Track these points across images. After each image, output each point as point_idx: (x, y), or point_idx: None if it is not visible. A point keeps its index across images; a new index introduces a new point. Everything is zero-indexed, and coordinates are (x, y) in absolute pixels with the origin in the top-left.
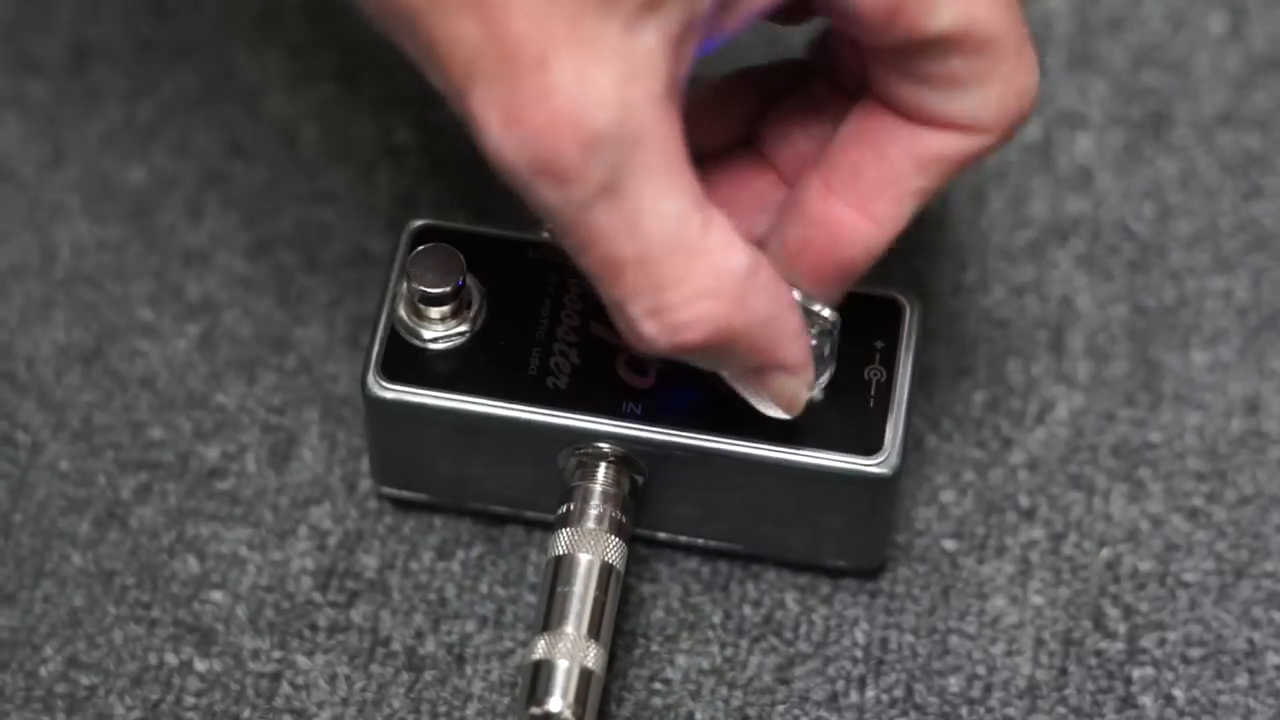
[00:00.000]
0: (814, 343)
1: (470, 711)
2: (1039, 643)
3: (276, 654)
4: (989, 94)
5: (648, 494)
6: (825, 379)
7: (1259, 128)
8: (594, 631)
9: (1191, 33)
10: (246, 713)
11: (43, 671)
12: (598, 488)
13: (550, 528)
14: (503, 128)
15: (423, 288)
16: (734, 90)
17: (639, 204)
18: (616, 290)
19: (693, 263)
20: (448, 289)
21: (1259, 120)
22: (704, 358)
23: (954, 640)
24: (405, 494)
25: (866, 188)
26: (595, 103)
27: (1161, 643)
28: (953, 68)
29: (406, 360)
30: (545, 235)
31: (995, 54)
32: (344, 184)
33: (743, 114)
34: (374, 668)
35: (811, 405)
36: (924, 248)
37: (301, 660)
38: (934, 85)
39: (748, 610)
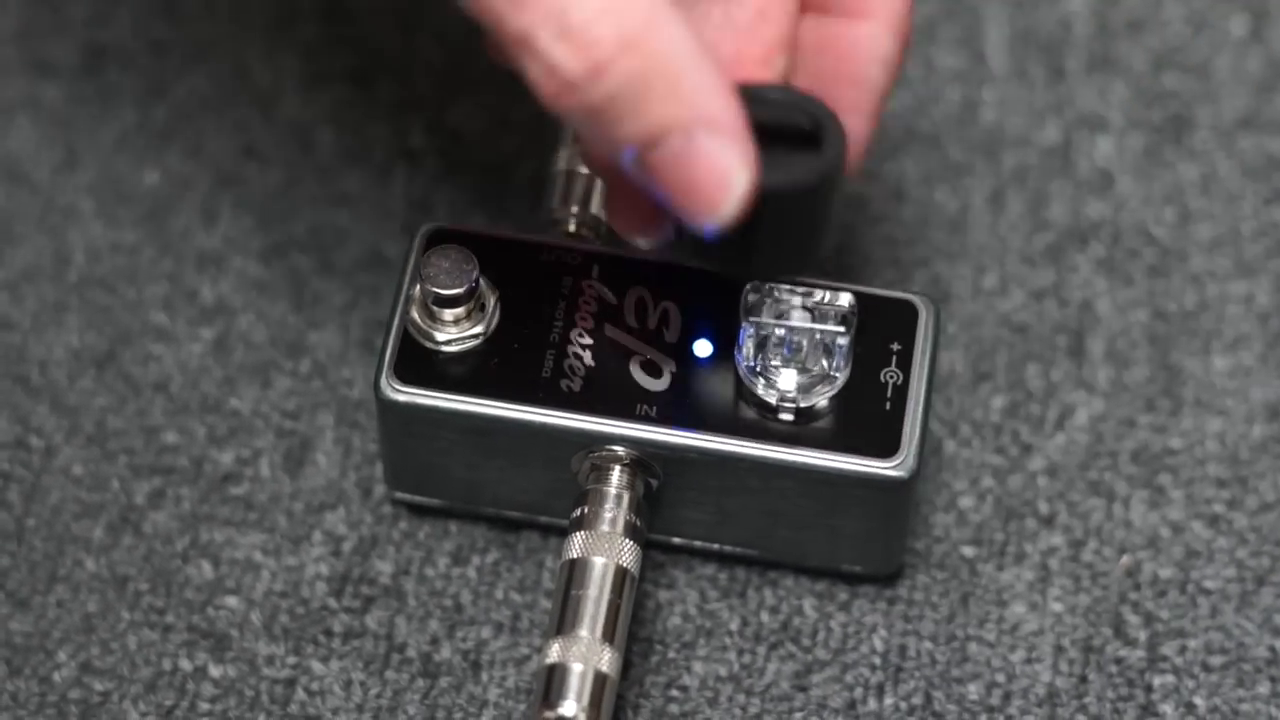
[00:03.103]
0: (836, 329)
1: (486, 718)
2: (1059, 650)
3: (291, 660)
4: None
5: (663, 498)
6: (842, 379)
7: None
8: (608, 635)
9: (1212, 35)
10: (261, 719)
11: (56, 677)
12: (611, 491)
13: (564, 532)
14: None
15: (436, 289)
16: None
17: None
18: (525, 16)
19: None
20: (460, 291)
21: None
22: (626, 100)
23: (973, 647)
24: (418, 499)
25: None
26: None
27: (1182, 650)
28: None
29: (420, 362)
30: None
31: None
32: (359, 187)
33: None
34: (389, 674)
35: (827, 408)
36: (942, 251)
37: (316, 666)
38: None
39: (765, 617)
